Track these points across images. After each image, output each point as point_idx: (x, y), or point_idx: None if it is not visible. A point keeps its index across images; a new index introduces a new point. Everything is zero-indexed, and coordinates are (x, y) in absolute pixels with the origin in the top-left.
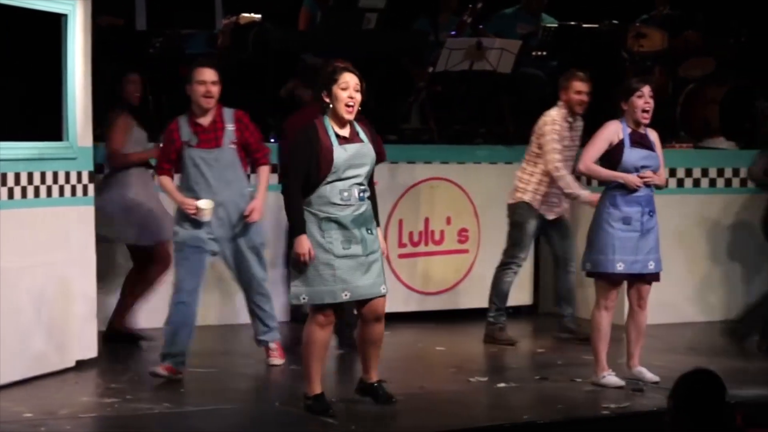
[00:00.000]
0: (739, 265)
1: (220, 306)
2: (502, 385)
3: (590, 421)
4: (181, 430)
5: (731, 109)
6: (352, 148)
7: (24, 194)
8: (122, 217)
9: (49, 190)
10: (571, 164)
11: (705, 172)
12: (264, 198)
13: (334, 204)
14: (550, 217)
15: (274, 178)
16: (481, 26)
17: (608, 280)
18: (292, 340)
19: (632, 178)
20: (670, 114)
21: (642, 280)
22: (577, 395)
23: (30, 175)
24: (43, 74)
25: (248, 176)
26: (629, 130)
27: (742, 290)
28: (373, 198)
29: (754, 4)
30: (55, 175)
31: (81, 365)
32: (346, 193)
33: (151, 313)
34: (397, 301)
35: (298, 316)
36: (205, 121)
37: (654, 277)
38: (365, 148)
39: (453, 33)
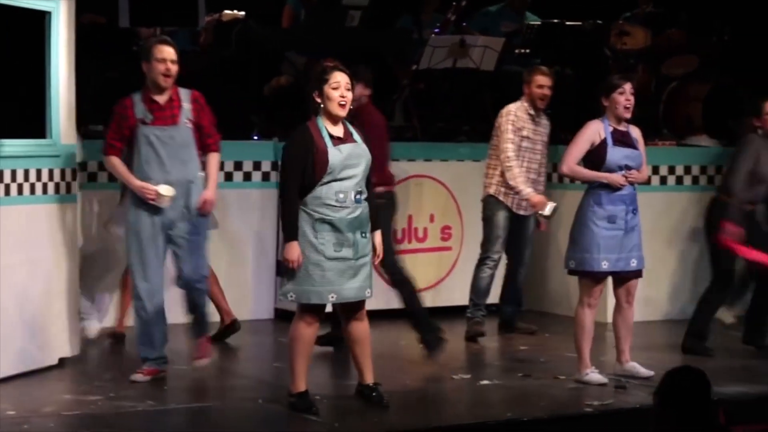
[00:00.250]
0: None
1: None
2: (485, 382)
3: (573, 418)
4: (164, 427)
5: (714, 106)
6: (346, 148)
7: (7, 192)
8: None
9: (32, 187)
10: (539, 159)
11: (688, 170)
12: (215, 187)
13: (330, 205)
14: (519, 212)
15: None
16: (464, 24)
17: (592, 278)
18: (276, 339)
19: (616, 177)
20: (653, 112)
21: (626, 277)
22: (561, 392)
23: (13, 173)
24: (27, 72)
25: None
26: (611, 129)
27: None
28: (371, 201)
29: (737, 2)
30: (39, 172)
31: (64, 363)
32: (342, 195)
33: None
34: (380, 299)
35: (282, 314)
36: (162, 99)
37: (637, 273)
38: (359, 149)
39: (436, 30)
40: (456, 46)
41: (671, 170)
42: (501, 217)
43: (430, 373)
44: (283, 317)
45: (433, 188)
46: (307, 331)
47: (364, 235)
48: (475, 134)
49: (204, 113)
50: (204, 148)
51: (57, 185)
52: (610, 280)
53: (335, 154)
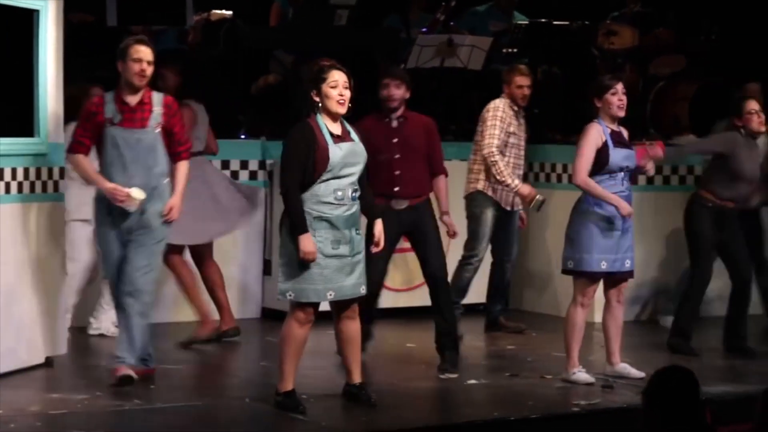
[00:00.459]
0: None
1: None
2: (472, 381)
3: (561, 417)
4: (151, 426)
5: (701, 106)
6: (346, 146)
7: None
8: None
9: (20, 186)
10: (523, 156)
11: (675, 170)
12: (182, 196)
13: (328, 203)
14: (507, 208)
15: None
16: (452, 23)
17: (589, 279)
18: (263, 338)
19: (625, 205)
20: (641, 111)
21: (620, 277)
22: (548, 392)
23: (0, 171)
24: (15, 70)
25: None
26: (609, 130)
27: (714, 286)
28: (368, 194)
29: (725, 2)
30: (26, 171)
31: (51, 362)
32: (340, 192)
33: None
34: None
35: (270, 313)
36: (133, 100)
37: (630, 274)
38: (358, 147)
39: (424, 30)
40: (444, 46)
41: (658, 170)
42: (489, 214)
43: (418, 373)
44: (270, 316)
45: None
46: (299, 332)
47: (358, 232)
48: (462, 133)
49: (176, 120)
50: (173, 156)
51: (44, 183)
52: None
53: (336, 152)
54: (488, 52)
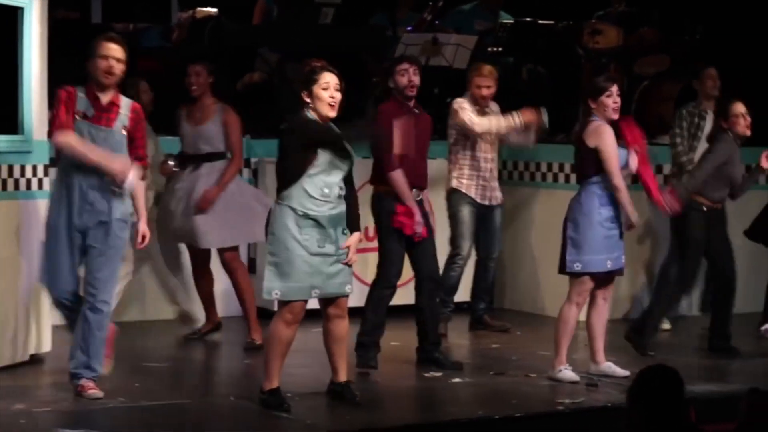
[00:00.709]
0: None
1: (174, 300)
2: (457, 380)
3: (545, 416)
4: (135, 424)
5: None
6: None
7: None
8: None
9: (3, 183)
10: (492, 151)
11: (659, 169)
12: (145, 215)
13: (314, 199)
14: (484, 202)
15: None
16: (437, 22)
17: (591, 278)
18: (246, 336)
19: (634, 218)
20: (625, 111)
21: (612, 275)
22: (532, 391)
23: None
24: None
25: None
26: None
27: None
28: (354, 202)
29: (709, 2)
30: (10, 168)
31: (35, 359)
32: (327, 190)
33: None
34: (351, 297)
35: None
36: (104, 99)
37: (620, 272)
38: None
39: (409, 28)
40: (429, 44)
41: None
42: (466, 212)
43: (402, 371)
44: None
45: None
46: (286, 332)
47: (345, 231)
48: (446, 132)
49: (140, 126)
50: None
51: (28, 181)
52: None
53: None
54: (473, 51)
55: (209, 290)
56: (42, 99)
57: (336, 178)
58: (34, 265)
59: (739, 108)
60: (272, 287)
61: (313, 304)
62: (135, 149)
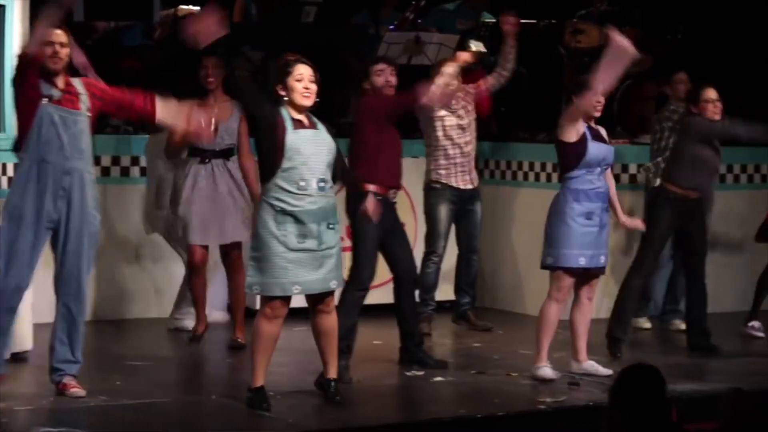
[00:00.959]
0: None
1: (159, 298)
2: (438, 379)
3: (527, 415)
4: (117, 422)
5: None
6: (306, 133)
7: None
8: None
9: None
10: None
11: (625, 168)
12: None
13: (291, 192)
14: (467, 186)
15: None
16: (420, 21)
17: (567, 274)
18: (230, 335)
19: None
20: (607, 110)
21: (594, 273)
22: (514, 389)
23: None
24: None
25: None
26: (586, 125)
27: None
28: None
29: (691, 1)
30: None
31: (16, 358)
32: (303, 183)
33: None
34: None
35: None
36: (60, 83)
37: (602, 270)
38: (320, 135)
39: (392, 27)
40: (411, 43)
41: (624, 168)
42: (442, 210)
43: (384, 370)
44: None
45: None
46: (269, 327)
47: (330, 226)
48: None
49: (100, 86)
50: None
51: (11, 179)
52: None
53: (293, 138)
54: (455, 50)
55: (205, 290)
56: None
57: (311, 169)
58: None
59: (710, 94)
60: (253, 283)
61: (297, 303)
62: (128, 92)
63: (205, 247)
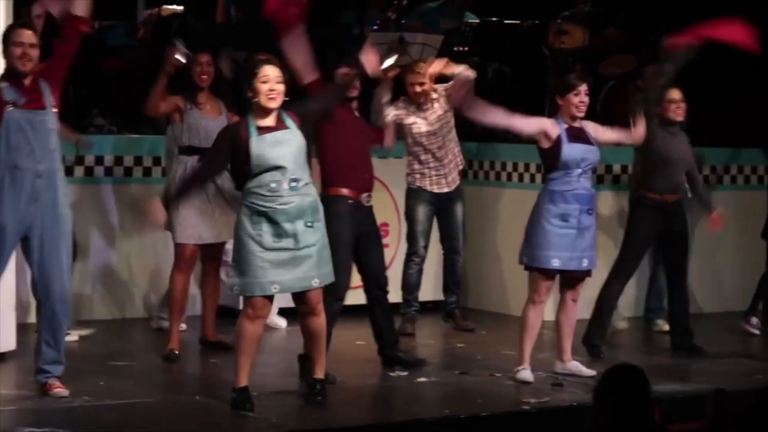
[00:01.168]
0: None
1: (145, 297)
2: (422, 379)
3: (510, 415)
4: (100, 423)
5: None
6: (271, 136)
7: None
8: None
9: None
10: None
11: (624, 169)
12: None
13: (263, 195)
14: (444, 190)
15: None
16: (403, 21)
17: (542, 275)
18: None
19: None
20: (591, 111)
21: (576, 276)
22: (498, 390)
23: None
24: None
25: None
26: (566, 126)
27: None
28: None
29: (675, 2)
30: None
31: (0, 358)
32: (274, 184)
33: None
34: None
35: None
36: (26, 81)
37: (587, 273)
38: (288, 134)
39: (375, 27)
40: (395, 44)
41: (608, 169)
42: (420, 211)
43: (368, 370)
44: (222, 314)
45: None
46: (250, 327)
47: (308, 224)
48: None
49: (49, 65)
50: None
51: None
52: None
53: (256, 144)
54: (439, 51)
55: (186, 293)
56: None
57: (281, 170)
58: None
59: (674, 94)
60: (234, 283)
61: (282, 303)
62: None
63: (195, 246)
